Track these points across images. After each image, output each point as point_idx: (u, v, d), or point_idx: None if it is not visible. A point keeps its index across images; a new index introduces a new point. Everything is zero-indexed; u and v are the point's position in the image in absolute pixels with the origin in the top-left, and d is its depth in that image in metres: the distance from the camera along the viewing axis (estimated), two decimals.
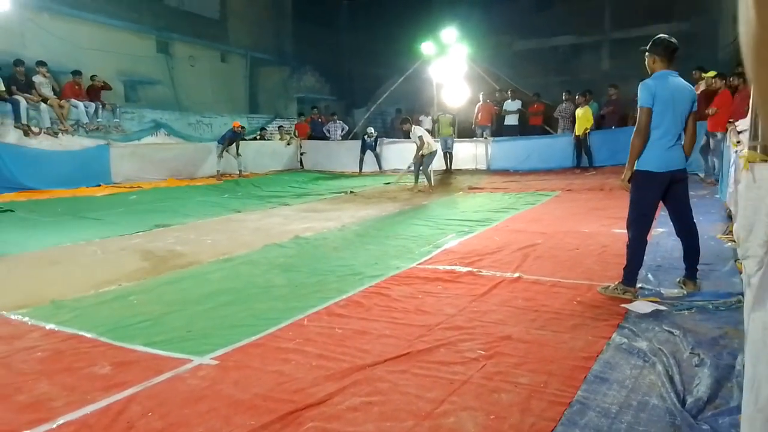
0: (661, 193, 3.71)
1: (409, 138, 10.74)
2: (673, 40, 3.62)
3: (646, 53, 3.70)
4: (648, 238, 3.85)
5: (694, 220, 3.88)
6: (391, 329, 3.28)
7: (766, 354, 1.40)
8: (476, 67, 15.05)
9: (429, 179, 10.46)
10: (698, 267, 3.89)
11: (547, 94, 14.63)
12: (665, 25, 15.20)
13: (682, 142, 3.69)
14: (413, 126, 10.60)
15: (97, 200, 9.67)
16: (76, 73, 11.64)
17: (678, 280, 3.98)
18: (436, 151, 10.65)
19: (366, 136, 14.48)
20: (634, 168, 3.70)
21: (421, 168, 10.46)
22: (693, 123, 3.69)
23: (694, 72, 10.56)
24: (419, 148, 10.30)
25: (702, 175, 9.39)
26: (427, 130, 14.91)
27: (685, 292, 3.76)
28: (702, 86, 9.86)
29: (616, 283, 3.82)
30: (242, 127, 13.46)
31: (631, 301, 3.64)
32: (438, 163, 13.32)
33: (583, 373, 2.61)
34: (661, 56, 3.63)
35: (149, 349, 3.07)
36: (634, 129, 3.67)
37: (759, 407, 1.41)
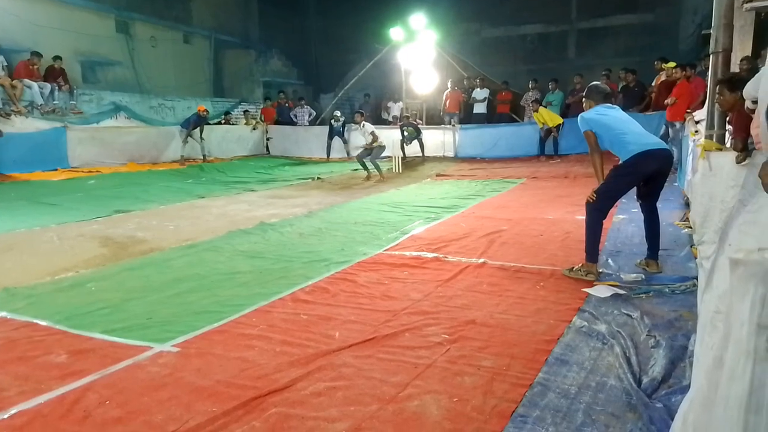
0: (636, 182, 3.93)
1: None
2: (606, 86, 4.27)
3: (583, 99, 4.23)
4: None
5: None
6: (357, 315, 3.28)
7: (707, 335, 1.45)
8: (444, 54, 15.05)
9: (379, 169, 10.50)
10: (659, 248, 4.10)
11: (514, 83, 14.75)
12: (631, 16, 15.53)
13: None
14: (364, 122, 10.60)
15: (53, 185, 9.34)
16: (36, 54, 11.15)
17: (638, 261, 4.14)
18: (384, 146, 10.75)
19: (333, 121, 14.30)
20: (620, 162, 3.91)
21: (369, 158, 10.48)
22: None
23: (655, 62, 10.82)
24: (370, 143, 10.38)
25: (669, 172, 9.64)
26: (395, 117, 14.95)
27: (643, 276, 3.87)
28: (662, 77, 10.11)
29: (580, 264, 3.95)
30: (207, 111, 13.16)
31: (592, 283, 3.73)
32: (413, 150, 13.39)
33: (545, 356, 2.66)
34: (596, 101, 4.11)
35: (108, 337, 2.99)
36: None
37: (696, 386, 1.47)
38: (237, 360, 2.69)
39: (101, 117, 12.28)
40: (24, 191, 8.56)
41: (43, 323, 3.20)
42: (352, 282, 3.92)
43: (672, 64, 9.50)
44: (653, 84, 11.19)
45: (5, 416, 2.19)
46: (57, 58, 11.64)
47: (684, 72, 9.08)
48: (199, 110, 12.84)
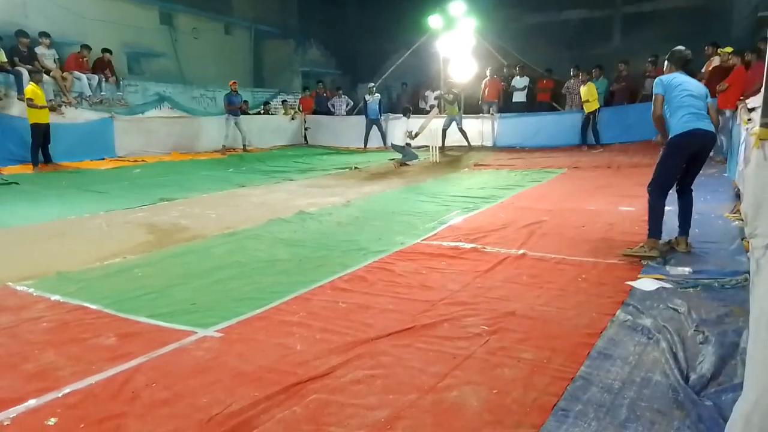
0: (684, 159, 4.08)
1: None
2: (688, 51, 4.24)
3: (664, 62, 4.32)
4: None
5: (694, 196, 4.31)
6: (395, 304, 3.29)
7: (764, 331, 1.39)
8: (484, 42, 14.81)
9: (405, 156, 10.56)
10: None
11: (556, 70, 14.39)
12: (679, 0, 14.88)
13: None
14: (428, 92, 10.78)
15: (101, 173, 9.68)
16: (85, 46, 11.53)
17: (668, 240, 4.22)
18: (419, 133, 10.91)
19: (367, 95, 14.01)
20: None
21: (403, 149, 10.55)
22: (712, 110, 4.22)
23: (706, 47, 10.35)
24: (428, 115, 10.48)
25: (711, 153, 9.27)
26: (432, 106, 14.81)
27: (690, 270, 3.74)
28: (715, 61, 9.67)
29: (641, 244, 4.08)
30: (235, 83, 13.31)
31: (646, 262, 3.85)
32: (454, 139, 13.31)
33: (587, 350, 2.60)
34: (676, 66, 4.20)
35: (154, 321, 3.09)
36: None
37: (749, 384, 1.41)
38: (278, 346, 2.74)
39: (146, 107, 12.65)
40: (74, 179, 8.90)
41: (93, 307, 3.33)
42: (389, 271, 3.93)
43: (728, 49, 9.08)
44: (703, 70, 10.73)
45: (59, 395, 2.29)
46: (105, 50, 12.01)
47: (740, 58, 8.67)
48: (230, 86, 13.06)
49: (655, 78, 4.42)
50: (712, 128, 4.07)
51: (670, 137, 4.07)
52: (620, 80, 13.05)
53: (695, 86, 4.14)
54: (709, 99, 4.15)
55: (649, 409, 2.10)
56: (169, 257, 4.50)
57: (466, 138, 13.20)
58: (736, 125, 7.24)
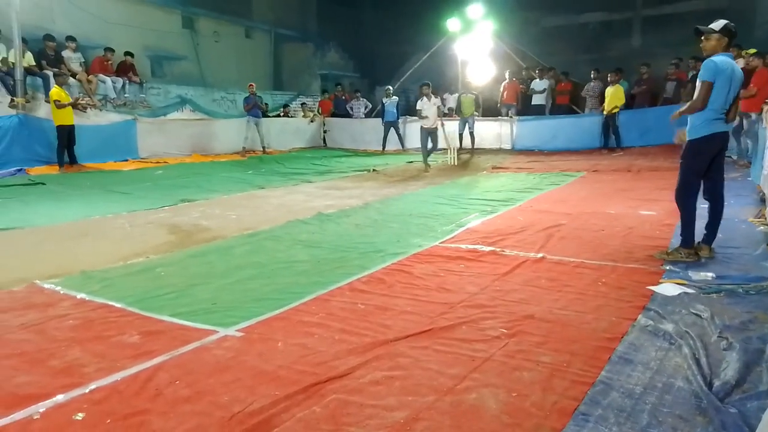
0: (708, 160, 3.97)
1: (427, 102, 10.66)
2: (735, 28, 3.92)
3: (714, 34, 3.88)
4: (676, 219, 3.90)
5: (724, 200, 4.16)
6: (413, 306, 3.29)
7: None
8: (502, 44, 14.76)
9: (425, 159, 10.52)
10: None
11: (575, 72, 14.28)
12: (700, 1, 14.66)
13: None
14: (431, 94, 10.60)
15: (124, 174, 9.86)
16: (109, 49, 11.76)
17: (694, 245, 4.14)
18: (437, 127, 10.71)
19: (384, 98, 13.98)
20: (687, 138, 3.99)
21: (430, 147, 10.50)
22: (737, 102, 4.02)
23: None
24: (435, 116, 10.36)
25: (735, 156, 9.13)
26: (451, 109, 14.77)
27: (713, 275, 3.69)
28: (740, 63, 9.51)
29: (676, 248, 4.08)
30: (253, 85, 13.45)
31: (669, 266, 3.84)
32: (469, 141, 13.26)
33: (607, 354, 2.59)
34: (724, 44, 3.89)
35: (176, 320, 3.14)
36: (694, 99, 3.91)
37: None
38: (297, 346, 2.76)
39: (168, 110, 12.85)
40: (98, 180, 9.08)
41: (117, 305, 3.39)
42: (407, 273, 3.94)
43: (752, 50, 8.93)
44: None
45: (85, 391, 2.35)
46: (128, 53, 12.23)
47: (763, 60, 8.52)
48: (249, 88, 13.22)
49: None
50: (728, 128, 3.99)
51: (690, 139, 3.95)
52: (641, 83, 12.90)
53: (738, 75, 3.89)
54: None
55: (671, 415, 2.08)
56: (190, 257, 4.56)
57: (473, 141, 13.15)
58: (762, 128, 7.11)
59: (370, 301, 3.39)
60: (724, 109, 3.87)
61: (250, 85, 13.38)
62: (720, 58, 3.81)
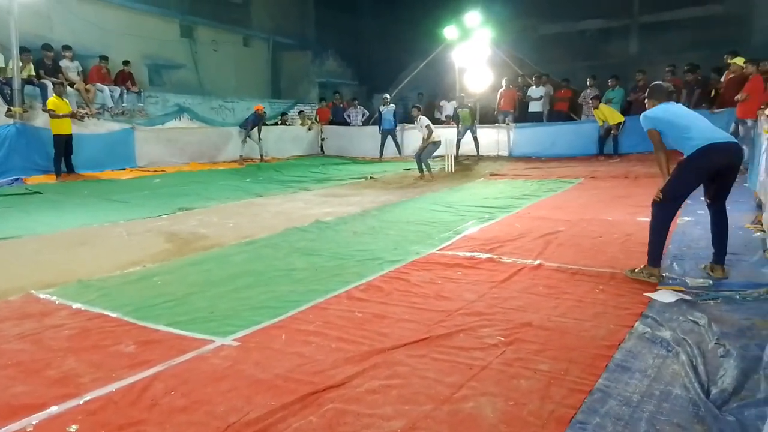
0: (702, 178, 3.74)
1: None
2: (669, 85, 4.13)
3: (645, 100, 4.03)
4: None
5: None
6: (411, 314, 3.29)
7: None
8: (500, 52, 14.82)
9: (428, 167, 10.45)
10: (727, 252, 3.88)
11: (572, 80, 14.34)
12: (698, 8, 14.74)
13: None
14: (420, 116, 10.57)
15: (122, 183, 9.85)
16: (103, 58, 11.78)
17: (704, 266, 3.95)
18: (440, 142, 10.62)
19: (382, 105, 13.97)
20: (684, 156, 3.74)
21: (421, 156, 10.44)
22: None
23: (725, 56, 10.24)
24: (426, 138, 10.31)
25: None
26: (448, 116, 14.82)
27: (710, 282, 3.69)
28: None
29: (642, 266, 3.83)
30: (264, 111, 13.55)
31: (656, 286, 3.61)
32: (467, 149, 13.29)
33: (605, 362, 2.58)
34: (659, 99, 3.92)
35: (173, 329, 3.13)
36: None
37: None
38: (294, 355, 2.75)
39: (166, 118, 12.85)
40: (95, 189, 9.07)
41: (113, 315, 3.38)
42: (405, 281, 3.93)
43: (741, 59, 8.98)
44: (722, 80, 10.61)
45: (81, 401, 2.33)
46: (126, 62, 12.26)
47: (757, 66, 8.57)
48: (257, 110, 13.26)
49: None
50: (732, 138, 3.78)
51: (687, 155, 3.66)
52: (637, 90, 12.94)
53: (685, 109, 3.90)
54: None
55: (669, 423, 2.07)
56: (187, 265, 4.55)
57: (477, 147, 13.22)
58: (757, 135, 7.14)
59: (367, 309, 3.38)
60: (707, 128, 3.68)
61: (259, 107, 13.36)
62: (654, 108, 3.86)
